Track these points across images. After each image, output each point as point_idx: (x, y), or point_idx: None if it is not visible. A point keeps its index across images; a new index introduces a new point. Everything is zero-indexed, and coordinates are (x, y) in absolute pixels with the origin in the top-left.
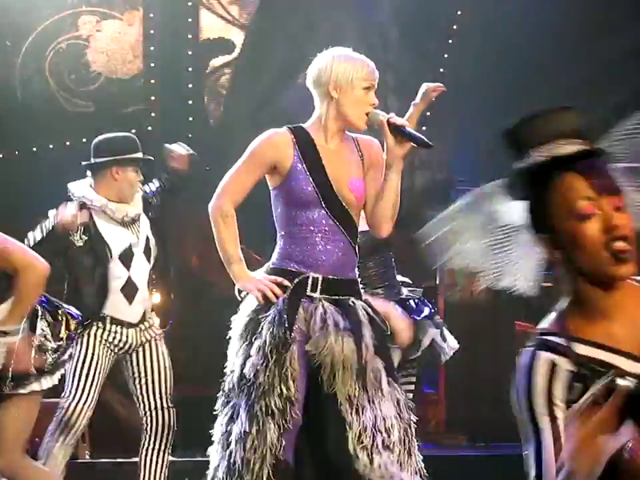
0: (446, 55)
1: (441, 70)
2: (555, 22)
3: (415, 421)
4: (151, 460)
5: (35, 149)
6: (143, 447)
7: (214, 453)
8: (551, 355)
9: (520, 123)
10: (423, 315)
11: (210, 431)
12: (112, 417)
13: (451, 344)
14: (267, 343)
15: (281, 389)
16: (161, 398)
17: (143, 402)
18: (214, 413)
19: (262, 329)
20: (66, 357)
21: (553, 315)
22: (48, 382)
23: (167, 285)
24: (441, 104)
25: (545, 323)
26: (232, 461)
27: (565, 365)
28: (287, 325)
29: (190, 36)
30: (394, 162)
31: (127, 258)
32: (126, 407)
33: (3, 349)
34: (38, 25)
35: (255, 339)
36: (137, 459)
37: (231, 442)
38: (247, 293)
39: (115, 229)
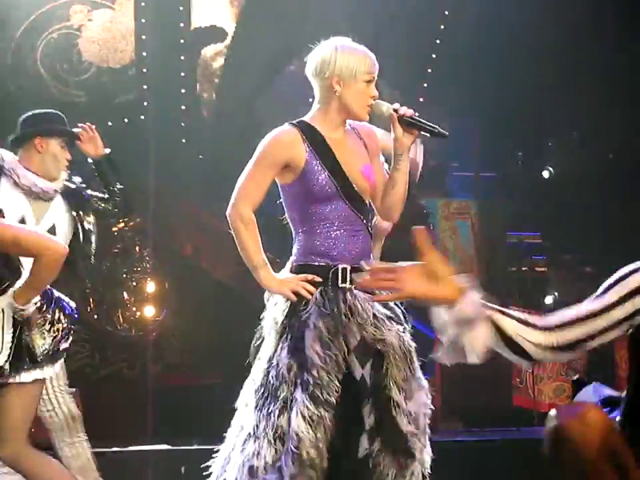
0: (438, 41)
1: (434, 56)
2: (543, 16)
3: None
4: None
5: None
6: None
7: (262, 449)
8: None
9: None
10: None
11: (208, 420)
12: (106, 407)
13: None
14: (317, 336)
15: (336, 379)
16: None
17: None
18: (210, 401)
19: (306, 322)
20: (66, 345)
21: None
22: (50, 371)
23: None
24: (433, 92)
25: None
26: (302, 452)
27: None
28: (337, 316)
29: (182, 24)
30: (403, 151)
31: None
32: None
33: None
34: (29, 16)
35: (300, 332)
36: (132, 448)
37: (289, 435)
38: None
39: (22, 200)
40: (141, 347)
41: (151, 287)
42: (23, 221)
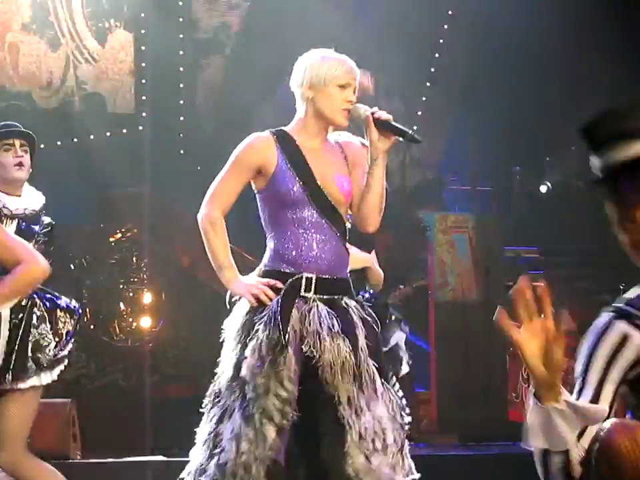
0: (437, 55)
1: (432, 70)
2: (546, 21)
3: (407, 422)
4: None
5: None
6: None
7: (198, 453)
8: (626, 327)
9: (601, 116)
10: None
11: None
12: (102, 418)
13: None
14: (262, 345)
15: (277, 391)
16: None
17: None
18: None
19: (257, 330)
20: (65, 352)
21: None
22: (47, 377)
23: None
24: (432, 104)
25: (632, 293)
26: (223, 461)
27: (637, 340)
28: (281, 327)
29: (181, 35)
30: (378, 156)
31: None
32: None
33: None
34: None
35: (250, 340)
36: (127, 459)
37: (220, 442)
38: (239, 297)
39: None
40: (137, 357)
41: (147, 297)
42: None
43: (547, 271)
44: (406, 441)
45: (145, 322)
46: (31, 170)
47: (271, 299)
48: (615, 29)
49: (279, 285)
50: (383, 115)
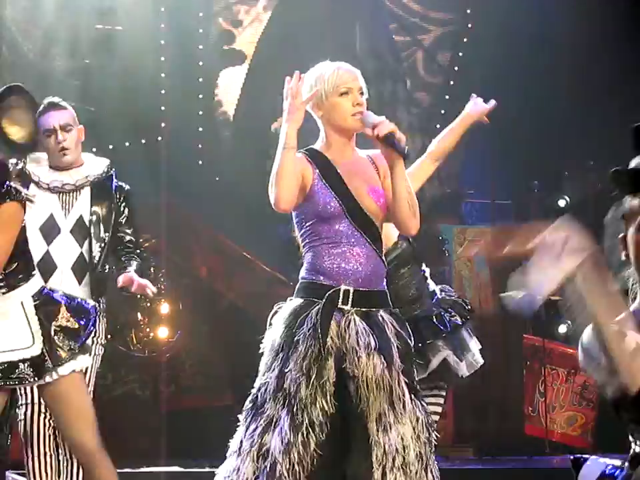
0: (456, 68)
1: (451, 82)
2: (567, 34)
3: (434, 438)
4: None
5: None
6: None
7: (236, 465)
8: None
9: None
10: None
11: (221, 442)
12: (118, 428)
13: (472, 360)
14: (304, 357)
15: (322, 403)
16: None
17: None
18: (223, 423)
19: (298, 342)
20: (89, 341)
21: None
22: (84, 361)
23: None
24: (450, 118)
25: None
26: (277, 472)
27: None
28: (321, 340)
29: (201, 46)
30: (393, 163)
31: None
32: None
33: None
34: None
35: (292, 353)
36: (143, 469)
37: (269, 453)
38: (276, 311)
39: (49, 197)
40: (154, 367)
41: (165, 308)
42: (51, 218)
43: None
44: (432, 456)
45: (162, 332)
46: (82, 139)
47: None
48: (636, 40)
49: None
50: (382, 131)
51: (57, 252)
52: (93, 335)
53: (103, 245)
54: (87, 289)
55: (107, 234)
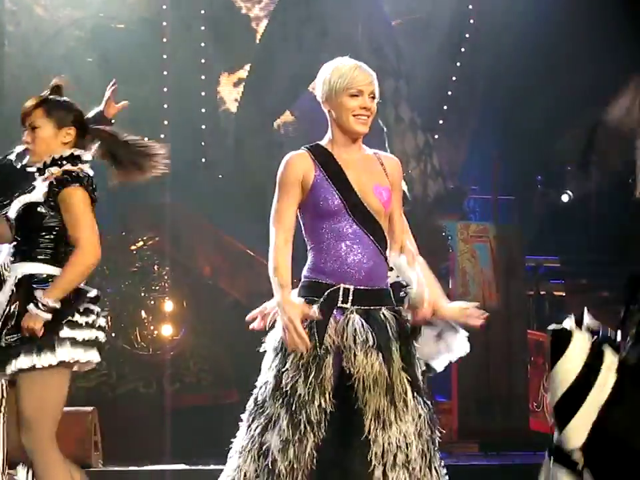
0: (458, 64)
1: (453, 78)
2: (570, 28)
3: (438, 435)
4: None
5: None
6: None
7: (238, 463)
8: None
9: None
10: None
11: (226, 440)
12: (123, 426)
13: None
14: (302, 355)
15: (320, 401)
16: None
17: None
18: (228, 421)
19: None
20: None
21: None
22: (81, 354)
23: None
24: (452, 114)
25: None
26: (277, 470)
27: None
28: (317, 338)
29: (203, 44)
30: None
31: None
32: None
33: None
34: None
35: (287, 354)
36: (148, 467)
37: (269, 451)
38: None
39: None
40: (158, 365)
41: (169, 306)
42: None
43: (567, 281)
44: (437, 453)
45: (166, 330)
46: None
47: (299, 348)
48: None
49: (317, 316)
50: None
51: None
52: None
53: None
54: None
55: None
